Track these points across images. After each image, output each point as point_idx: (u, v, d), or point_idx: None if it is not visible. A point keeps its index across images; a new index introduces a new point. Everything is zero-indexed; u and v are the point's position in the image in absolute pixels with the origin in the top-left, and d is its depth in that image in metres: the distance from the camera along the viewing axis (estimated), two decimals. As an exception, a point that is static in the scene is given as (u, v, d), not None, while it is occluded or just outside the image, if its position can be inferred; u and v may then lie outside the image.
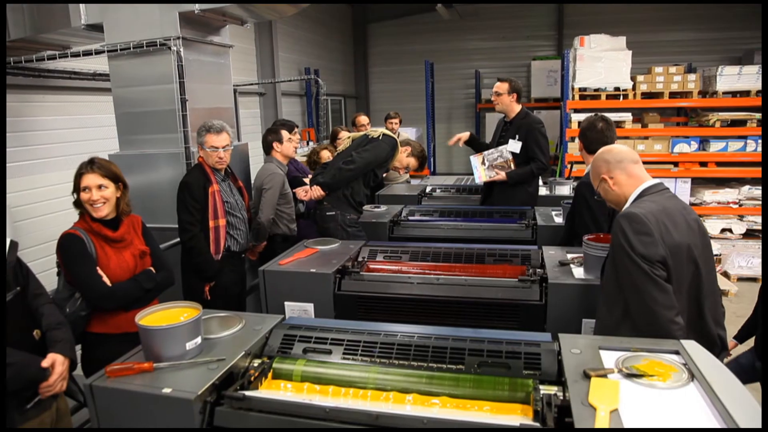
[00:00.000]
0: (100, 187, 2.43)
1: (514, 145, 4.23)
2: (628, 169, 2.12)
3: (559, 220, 3.68)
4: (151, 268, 2.58)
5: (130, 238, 2.54)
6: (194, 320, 1.77)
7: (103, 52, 3.70)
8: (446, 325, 2.04)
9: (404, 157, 3.92)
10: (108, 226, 2.46)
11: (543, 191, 4.97)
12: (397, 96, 12.81)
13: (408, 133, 7.42)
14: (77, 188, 2.44)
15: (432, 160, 11.06)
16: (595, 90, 6.89)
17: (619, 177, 2.13)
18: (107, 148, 4.23)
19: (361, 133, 4.05)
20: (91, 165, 2.45)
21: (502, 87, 4.27)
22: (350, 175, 3.62)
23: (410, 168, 3.99)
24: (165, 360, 1.71)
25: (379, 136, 3.76)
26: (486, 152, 4.33)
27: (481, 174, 4.32)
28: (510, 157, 4.23)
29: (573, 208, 3.08)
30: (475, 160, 4.36)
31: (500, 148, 4.28)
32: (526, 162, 4.20)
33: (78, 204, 2.46)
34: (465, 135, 4.62)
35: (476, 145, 4.61)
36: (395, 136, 3.85)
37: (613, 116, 6.61)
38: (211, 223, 3.29)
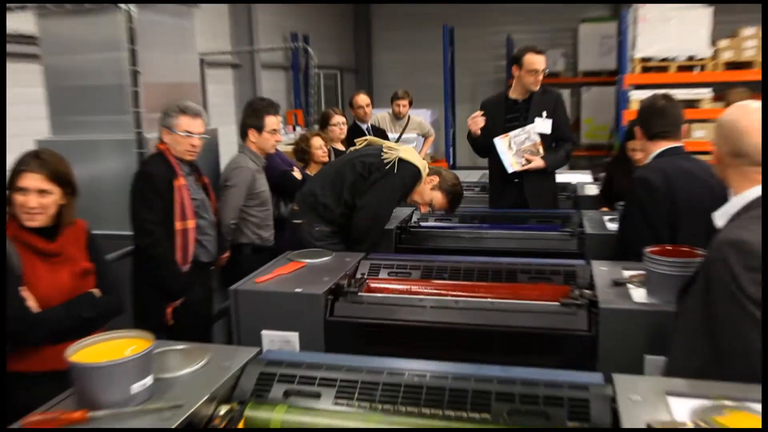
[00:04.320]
0: (42, 192, 2.39)
1: (543, 125, 4.30)
2: (745, 172, 1.93)
3: (612, 226, 3.65)
4: (94, 291, 2.57)
5: (71, 252, 2.54)
6: (143, 354, 1.74)
7: (28, 5, 3.70)
8: (467, 362, 2.02)
9: (428, 190, 3.60)
10: (41, 234, 2.45)
11: (594, 190, 4.94)
12: (408, 70, 12.88)
13: (422, 116, 7.42)
14: (12, 185, 2.40)
15: (452, 150, 11.07)
16: (662, 60, 6.87)
17: (729, 172, 1.98)
18: (34, 131, 4.19)
19: (364, 144, 3.84)
20: (37, 160, 2.41)
21: (544, 62, 4.31)
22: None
23: (434, 206, 3.69)
24: (103, 407, 1.68)
25: (394, 162, 3.47)
26: (512, 134, 4.33)
27: (511, 161, 4.31)
28: (538, 139, 4.29)
29: (624, 211, 3.07)
30: (501, 144, 4.33)
31: (527, 128, 4.32)
32: (551, 144, 4.32)
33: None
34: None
35: None
36: (416, 163, 3.56)
37: (686, 93, 6.55)
38: (178, 225, 3.30)
